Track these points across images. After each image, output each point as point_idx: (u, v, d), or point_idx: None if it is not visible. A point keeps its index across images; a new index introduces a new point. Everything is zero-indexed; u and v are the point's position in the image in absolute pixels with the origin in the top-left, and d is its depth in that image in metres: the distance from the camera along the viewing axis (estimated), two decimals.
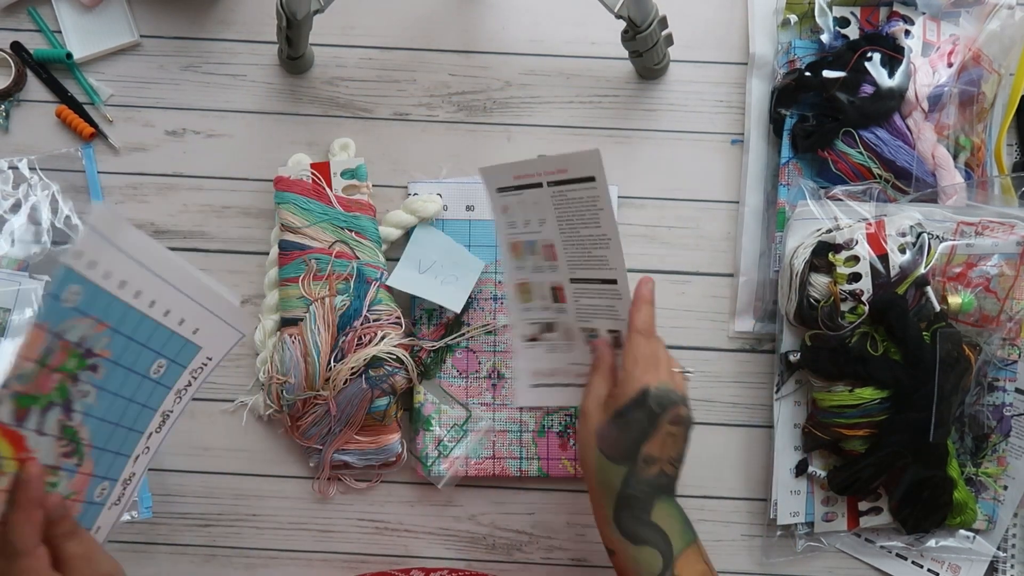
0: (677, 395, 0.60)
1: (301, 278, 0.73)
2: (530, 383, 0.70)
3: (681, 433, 0.60)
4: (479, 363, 0.75)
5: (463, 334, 0.74)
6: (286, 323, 0.73)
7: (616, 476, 0.59)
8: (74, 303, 0.49)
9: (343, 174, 0.75)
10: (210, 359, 0.62)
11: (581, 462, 0.62)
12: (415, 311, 0.75)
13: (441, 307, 0.73)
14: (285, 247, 0.73)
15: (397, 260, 0.75)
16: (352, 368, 0.70)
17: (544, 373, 0.69)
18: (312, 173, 0.74)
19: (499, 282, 0.74)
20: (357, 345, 0.71)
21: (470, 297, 0.74)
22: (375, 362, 0.71)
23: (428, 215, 0.74)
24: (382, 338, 0.71)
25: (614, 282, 0.64)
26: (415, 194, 0.75)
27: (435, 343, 0.74)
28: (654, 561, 0.57)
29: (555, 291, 0.67)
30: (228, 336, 0.62)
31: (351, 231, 0.74)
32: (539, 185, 0.64)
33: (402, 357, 0.71)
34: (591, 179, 0.61)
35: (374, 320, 0.72)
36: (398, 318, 0.73)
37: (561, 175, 0.62)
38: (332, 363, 0.71)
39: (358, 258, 0.73)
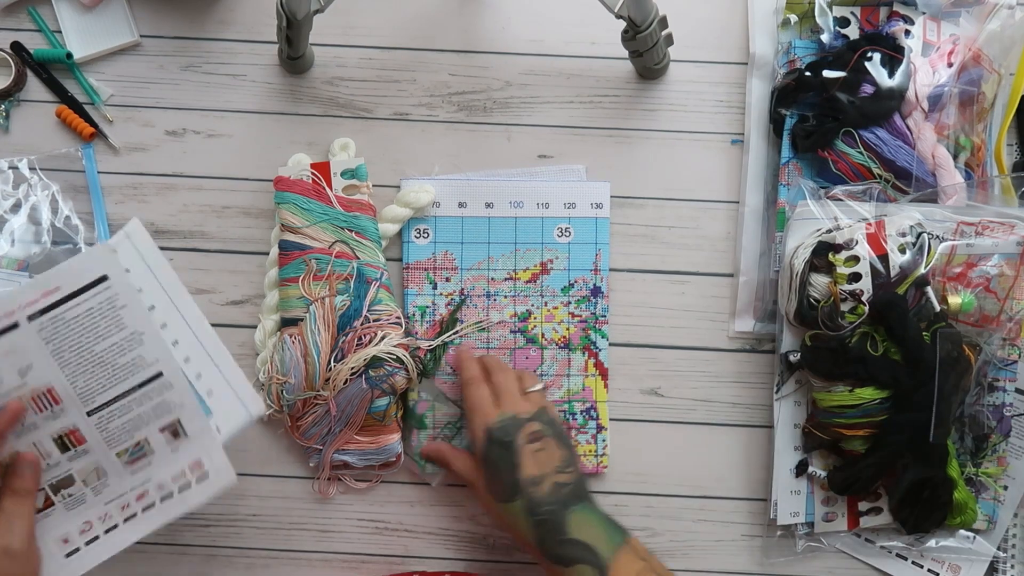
0: (520, 418, 0.64)
1: (301, 278, 0.73)
2: (64, 554, 0.60)
3: (548, 444, 0.64)
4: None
5: (457, 332, 0.74)
6: (286, 323, 0.73)
7: (519, 511, 0.61)
8: None
9: (343, 174, 0.75)
10: (218, 430, 0.62)
11: (494, 522, 0.68)
12: (408, 308, 0.75)
13: (434, 305, 0.75)
14: (285, 247, 0.73)
15: (395, 260, 0.76)
16: (352, 368, 0.70)
17: (77, 533, 0.61)
18: (312, 173, 0.74)
19: (492, 279, 0.75)
20: (357, 345, 0.71)
21: (463, 294, 0.75)
22: (375, 362, 0.71)
23: (421, 206, 0.74)
24: (382, 338, 0.71)
25: (159, 375, 0.59)
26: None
27: (431, 342, 0.74)
28: None
29: (64, 438, 0.59)
30: (238, 414, 0.63)
31: (351, 231, 0.74)
32: (13, 326, 0.55)
33: (402, 357, 0.71)
34: (100, 280, 0.55)
35: (374, 320, 0.72)
36: (398, 318, 0.73)
37: (49, 298, 0.54)
38: (332, 363, 0.71)
39: (358, 258, 0.73)
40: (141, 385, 0.60)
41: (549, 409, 0.67)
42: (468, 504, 0.76)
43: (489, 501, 0.64)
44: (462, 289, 0.75)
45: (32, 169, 0.76)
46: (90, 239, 0.76)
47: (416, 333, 0.75)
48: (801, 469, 0.73)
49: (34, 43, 0.78)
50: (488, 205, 0.75)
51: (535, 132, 0.78)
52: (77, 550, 0.61)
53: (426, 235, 0.75)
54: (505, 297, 0.75)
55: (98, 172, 0.77)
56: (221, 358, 0.63)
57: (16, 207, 0.76)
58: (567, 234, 0.74)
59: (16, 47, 0.78)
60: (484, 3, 0.79)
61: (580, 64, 0.78)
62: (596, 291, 0.74)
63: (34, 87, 0.78)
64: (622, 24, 0.70)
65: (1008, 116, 0.75)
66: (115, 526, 0.61)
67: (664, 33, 0.72)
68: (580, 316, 0.74)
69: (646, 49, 0.72)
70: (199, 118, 0.78)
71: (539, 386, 0.68)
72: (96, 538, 0.61)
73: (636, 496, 0.75)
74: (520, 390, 0.67)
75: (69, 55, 0.77)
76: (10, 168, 0.76)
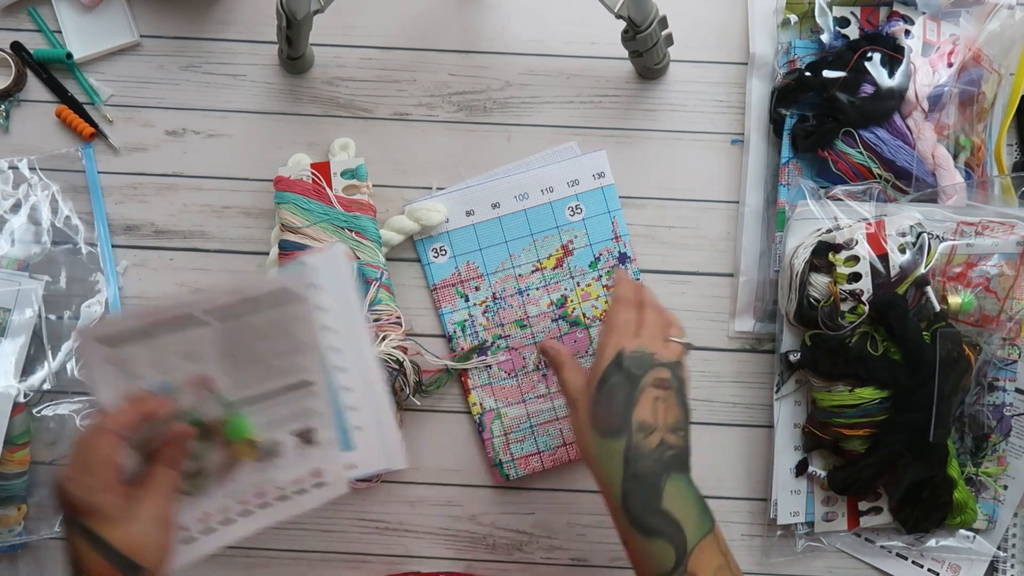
0: (658, 359, 0.57)
1: None
2: (180, 541, 0.59)
3: (671, 398, 0.57)
4: (524, 359, 0.75)
5: (488, 345, 0.75)
6: None
7: (616, 452, 0.55)
8: None
9: (343, 174, 0.75)
10: (354, 467, 0.62)
11: (582, 454, 0.58)
12: (447, 327, 0.75)
13: (471, 317, 0.75)
14: (285, 247, 0.73)
15: (398, 260, 0.76)
16: None
17: (195, 521, 0.60)
18: (312, 173, 0.74)
19: (520, 275, 0.75)
20: None
21: (496, 297, 0.75)
22: None
23: (432, 224, 0.74)
24: (383, 339, 0.71)
25: (309, 384, 0.60)
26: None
27: (462, 365, 0.74)
28: (665, 556, 0.53)
29: (204, 430, 0.58)
30: (376, 460, 0.63)
31: (351, 231, 0.74)
32: (206, 323, 0.57)
33: (402, 359, 0.71)
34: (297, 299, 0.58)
35: (375, 320, 0.72)
36: (398, 318, 0.73)
37: (236, 299, 0.56)
38: None
39: (358, 258, 0.73)
40: (289, 389, 0.60)
41: (684, 366, 0.60)
42: (468, 504, 0.76)
43: (586, 428, 0.57)
44: (493, 294, 0.75)
45: (32, 169, 0.76)
46: (90, 239, 0.76)
47: (462, 348, 0.75)
48: (801, 469, 0.73)
49: (34, 43, 0.78)
50: (495, 206, 0.75)
51: (535, 132, 0.78)
52: (194, 539, 0.60)
53: (444, 252, 0.75)
54: (537, 289, 0.75)
55: (98, 172, 0.77)
56: (381, 403, 0.63)
57: (16, 207, 0.76)
58: (579, 211, 0.75)
59: (16, 47, 0.78)
60: (484, 3, 0.79)
61: (580, 64, 0.78)
62: (623, 257, 0.75)
63: (34, 87, 0.78)
64: (622, 24, 0.70)
65: (1008, 116, 0.75)
66: (230, 520, 0.61)
67: (664, 33, 0.72)
68: (611, 286, 0.73)
69: (646, 49, 0.72)
70: (199, 118, 0.78)
71: (684, 339, 0.61)
72: (212, 529, 0.61)
73: None
74: (664, 335, 0.60)
75: (69, 55, 0.77)
76: (10, 168, 0.76)
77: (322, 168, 0.74)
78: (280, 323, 0.59)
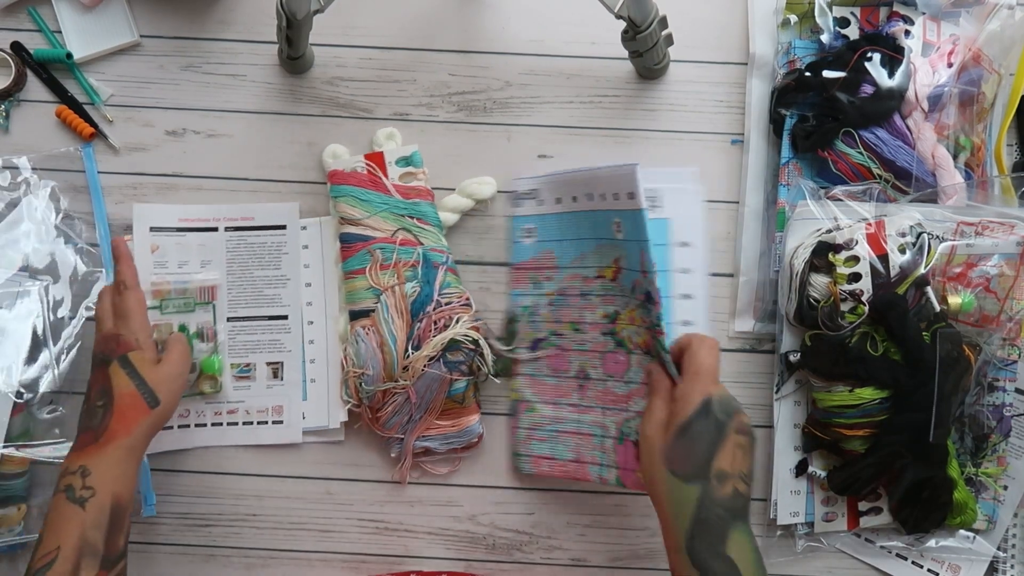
0: (737, 404, 0.58)
1: (368, 269, 0.73)
2: (176, 425, 0.75)
3: (748, 444, 0.58)
4: (568, 362, 0.73)
5: (543, 339, 0.73)
6: (354, 316, 0.73)
7: (690, 497, 0.55)
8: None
9: (398, 162, 0.75)
10: (303, 417, 0.75)
11: (649, 487, 0.59)
12: (514, 308, 0.75)
13: (535, 305, 0.74)
14: (347, 240, 0.73)
15: (494, 264, 0.76)
16: (429, 354, 0.71)
17: (176, 415, 0.74)
18: (367, 164, 0.74)
19: (586, 277, 0.71)
20: (432, 330, 0.71)
21: (561, 293, 0.72)
22: (452, 345, 0.71)
23: (484, 197, 0.75)
24: (456, 321, 0.72)
25: (285, 318, 0.74)
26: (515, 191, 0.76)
27: (510, 350, 0.75)
28: None
29: (201, 331, 0.74)
30: (321, 415, 0.74)
31: (412, 217, 0.74)
32: (214, 229, 0.73)
33: (478, 339, 0.72)
34: (281, 228, 0.73)
35: (446, 304, 0.72)
36: (468, 300, 0.73)
37: (245, 222, 0.73)
38: (409, 351, 0.71)
39: (422, 244, 0.73)
40: (270, 318, 0.75)
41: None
42: (468, 504, 0.76)
43: (659, 466, 0.57)
44: (561, 289, 0.72)
45: (32, 169, 0.76)
46: (90, 239, 0.76)
47: (521, 333, 0.74)
48: (801, 469, 0.73)
49: (34, 43, 0.78)
50: (575, 199, 0.70)
51: (535, 132, 0.78)
52: (169, 428, 0.74)
53: (533, 234, 0.73)
54: (597, 296, 0.71)
55: (98, 172, 0.77)
56: (333, 361, 0.75)
57: (16, 206, 0.76)
58: (619, 229, 0.66)
59: (16, 47, 0.78)
60: (484, 3, 0.79)
61: (580, 64, 0.78)
62: (648, 297, 0.64)
63: (34, 87, 0.78)
64: (622, 24, 0.70)
65: (1008, 116, 0.75)
66: (204, 424, 0.75)
67: (664, 33, 0.72)
68: (646, 321, 0.66)
69: (646, 49, 0.72)
70: (199, 118, 0.78)
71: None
72: (187, 426, 0.74)
73: (636, 496, 0.75)
74: None
75: (69, 55, 0.77)
76: (9, 168, 0.76)
77: (376, 158, 0.75)
78: (273, 251, 0.74)
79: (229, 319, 0.75)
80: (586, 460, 0.72)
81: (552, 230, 0.72)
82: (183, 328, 0.74)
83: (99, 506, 0.59)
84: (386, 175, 0.75)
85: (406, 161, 0.75)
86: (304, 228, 0.76)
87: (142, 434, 0.62)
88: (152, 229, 0.75)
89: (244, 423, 0.75)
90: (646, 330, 0.65)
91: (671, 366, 0.62)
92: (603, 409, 0.70)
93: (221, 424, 0.75)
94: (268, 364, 0.75)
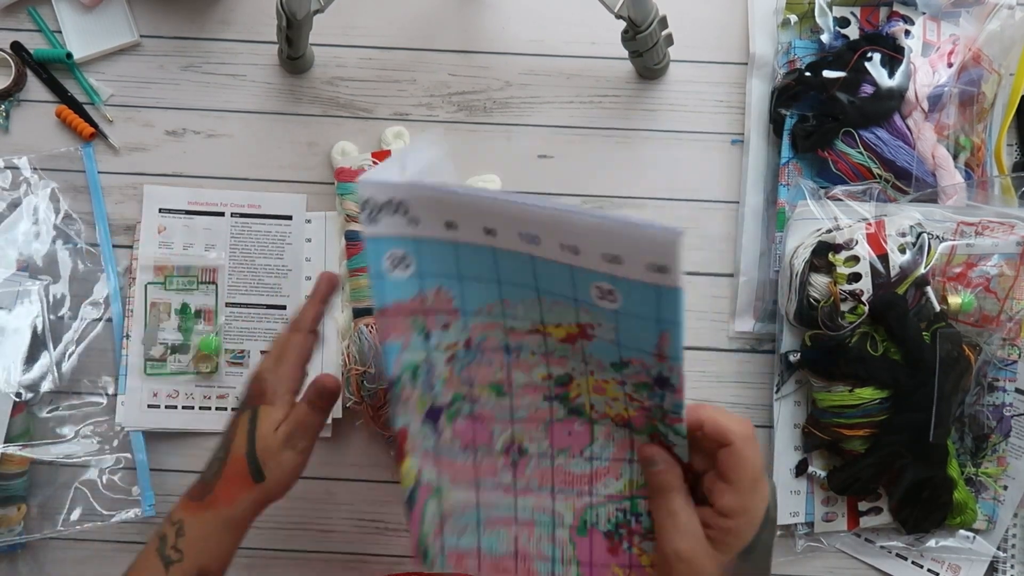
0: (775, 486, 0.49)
1: None
2: (146, 404, 0.75)
3: None
4: (491, 434, 0.53)
5: (446, 405, 0.52)
6: (357, 313, 0.73)
7: None
8: None
9: None
10: None
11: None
12: (390, 368, 0.50)
13: (429, 362, 0.51)
14: (352, 237, 0.74)
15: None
16: None
17: (164, 395, 0.75)
18: (374, 162, 0.75)
19: (511, 328, 0.50)
20: None
21: (468, 346, 0.51)
22: None
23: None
24: None
25: (283, 308, 0.74)
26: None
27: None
28: None
29: (200, 312, 0.75)
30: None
31: None
32: (220, 214, 0.73)
33: None
34: (287, 217, 0.73)
35: None
36: None
37: (251, 209, 0.73)
38: None
39: None
40: (268, 307, 0.75)
41: None
42: None
43: (711, 567, 0.46)
44: (468, 340, 0.50)
45: (32, 169, 0.76)
46: (90, 239, 0.76)
47: (407, 400, 0.50)
48: (801, 469, 0.73)
49: (34, 43, 0.78)
50: (488, 231, 0.46)
51: (535, 132, 0.78)
52: (156, 407, 0.75)
53: (406, 265, 0.48)
54: (533, 354, 0.51)
55: (98, 172, 0.77)
56: (328, 356, 0.75)
57: (16, 206, 0.76)
58: (611, 298, 0.45)
59: (16, 47, 0.78)
60: (484, 3, 0.79)
61: (580, 64, 0.78)
62: (662, 381, 0.47)
63: (34, 87, 0.78)
64: (622, 24, 0.70)
65: (1008, 116, 0.75)
66: (191, 407, 0.75)
67: (664, 33, 0.72)
68: (641, 403, 0.49)
69: (646, 49, 0.72)
70: (199, 118, 0.78)
71: None
72: (174, 407, 0.75)
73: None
74: None
75: (69, 55, 0.77)
76: (10, 168, 0.76)
77: (383, 156, 0.75)
78: (277, 241, 0.75)
79: (227, 304, 0.76)
80: (530, 554, 0.54)
81: (441, 263, 0.48)
82: (185, 306, 0.75)
83: (183, 574, 0.54)
84: None
85: None
86: (308, 221, 0.76)
87: (245, 509, 0.55)
88: (161, 211, 0.76)
89: (232, 409, 0.74)
90: (636, 409, 0.50)
91: (681, 451, 0.48)
92: (552, 491, 0.53)
93: (210, 408, 0.75)
94: (262, 352, 0.75)
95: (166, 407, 0.75)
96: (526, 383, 0.52)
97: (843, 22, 0.75)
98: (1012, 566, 0.75)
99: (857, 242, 0.68)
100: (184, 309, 0.75)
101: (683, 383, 0.46)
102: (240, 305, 0.76)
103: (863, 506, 0.73)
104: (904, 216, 0.69)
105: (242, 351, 0.75)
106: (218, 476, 0.56)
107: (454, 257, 0.48)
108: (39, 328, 0.74)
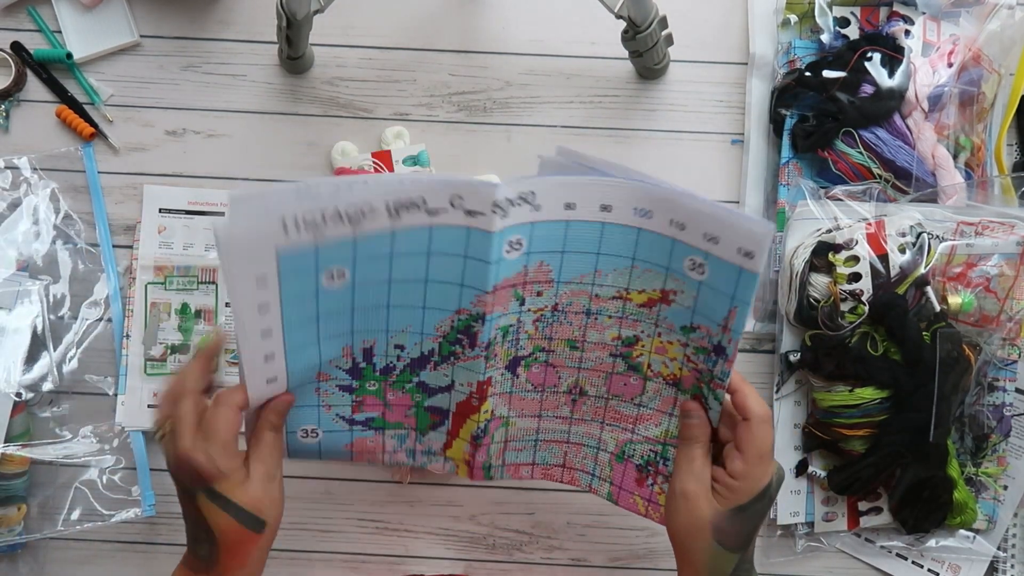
0: (780, 471, 0.58)
1: None
2: (147, 405, 0.74)
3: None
4: (558, 378, 0.63)
5: (525, 356, 0.61)
6: None
7: (728, 564, 0.56)
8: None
9: (404, 161, 0.75)
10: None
11: (679, 541, 0.57)
12: (489, 332, 0.58)
13: (519, 323, 0.59)
14: None
15: None
16: None
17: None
18: (374, 162, 0.75)
19: (596, 295, 0.59)
20: None
21: (555, 309, 0.59)
22: None
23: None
24: None
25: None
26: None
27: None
28: None
29: (199, 312, 0.75)
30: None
31: None
32: (221, 214, 0.72)
33: None
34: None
35: None
36: None
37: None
38: None
39: None
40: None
41: None
42: (468, 504, 0.76)
43: (704, 535, 0.55)
44: (556, 304, 0.59)
45: (32, 169, 0.76)
46: (90, 239, 0.76)
47: (496, 354, 0.59)
48: (801, 469, 0.73)
49: (34, 43, 0.78)
50: (604, 208, 0.55)
51: (535, 132, 0.78)
52: (156, 407, 0.70)
53: (518, 247, 0.55)
54: (610, 317, 0.59)
55: (98, 172, 0.77)
56: None
57: (16, 206, 0.76)
58: (699, 270, 0.55)
59: (16, 47, 0.78)
60: (484, 3, 0.79)
61: (580, 64, 0.78)
62: (719, 349, 0.56)
63: (34, 87, 0.78)
64: (622, 24, 0.70)
65: (1008, 116, 0.75)
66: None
67: (664, 33, 0.72)
68: (695, 364, 0.58)
69: (646, 49, 0.72)
70: (199, 118, 0.78)
71: None
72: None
73: None
74: None
75: (69, 55, 0.77)
76: (10, 168, 0.76)
77: (383, 156, 0.75)
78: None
79: (228, 304, 0.75)
80: (575, 467, 0.67)
81: (550, 240, 0.56)
82: (185, 306, 0.74)
83: None
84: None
85: (413, 160, 0.75)
86: None
87: (257, 559, 0.56)
88: (161, 211, 0.76)
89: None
90: (690, 369, 0.59)
91: (715, 414, 0.58)
92: (601, 423, 0.64)
93: None
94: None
95: None
96: (597, 341, 0.61)
97: (843, 22, 0.75)
98: (1012, 566, 0.75)
99: (857, 242, 0.68)
100: (184, 309, 0.75)
101: (735, 356, 0.56)
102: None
103: (863, 506, 0.73)
104: (904, 216, 0.69)
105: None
106: (216, 551, 0.54)
107: (563, 234, 0.56)
108: (39, 328, 0.74)
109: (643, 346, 0.60)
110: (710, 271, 0.54)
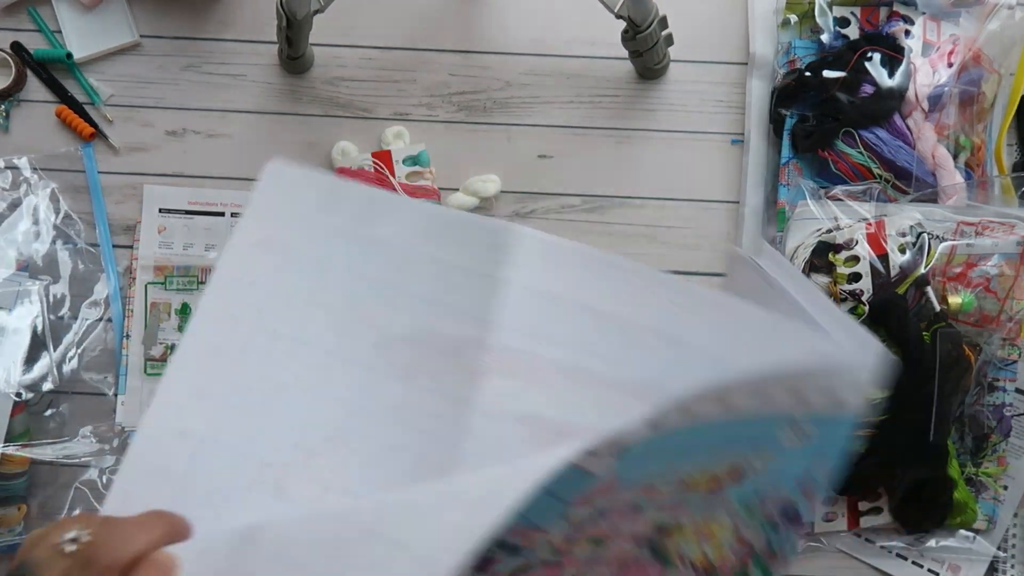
0: None
1: None
2: (147, 405, 0.50)
3: None
4: (561, 573, 0.46)
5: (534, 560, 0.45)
6: None
7: None
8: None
9: (405, 161, 0.75)
10: None
11: None
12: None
13: None
14: None
15: None
16: None
17: None
18: (374, 162, 0.75)
19: (652, 487, 0.43)
20: None
21: (600, 511, 0.43)
22: None
23: (488, 195, 0.75)
24: None
25: None
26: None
27: None
28: None
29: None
30: None
31: None
32: (221, 214, 0.72)
33: None
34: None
35: None
36: None
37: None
38: None
39: None
40: None
41: None
42: None
43: None
44: (603, 508, 0.44)
45: (32, 169, 0.76)
46: (90, 239, 0.76)
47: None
48: None
49: (34, 43, 0.78)
50: (685, 411, 0.38)
51: (535, 132, 0.78)
52: None
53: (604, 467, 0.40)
54: (655, 508, 0.44)
55: (98, 172, 0.77)
56: None
57: (16, 206, 0.76)
58: (804, 438, 0.41)
59: (16, 47, 0.78)
60: (484, 3, 0.79)
61: (580, 64, 0.78)
62: (791, 516, 0.43)
63: (34, 87, 0.78)
64: (622, 24, 0.70)
65: (1008, 116, 0.75)
66: None
67: (664, 33, 0.72)
68: (747, 541, 0.45)
69: (646, 49, 0.72)
70: (199, 118, 0.78)
71: None
72: None
73: None
74: None
75: (69, 55, 0.77)
76: (10, 168, 0.76)
77: (383, 156, 0.75)
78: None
79: None
80: None
81: (647, 458, 0.40)
82: (185, 306, 0.74)
83: None
84: (393, 174, 0.75)
85: (413, 160, 0.75)
86: None
87: None
88: (161, 211, 0.76)
89: None
90: (737, 552, 0.45)
91: None
92: None
93: None
94: None
95: None
96: (628, 532, 0.45)
97: (843, 22, 0.75)
98: (1012, 566, 0.75)
99: (857, 242, 0.68)
100: (184, 309, 0.75)
101: (805, 519, 0.43)
102: None
103: (863, 506, 0.73)
104: (904, 216, 0.69)
105: None
106: None
107: (659, 447, 0.40)
108: (39, 328, 0.74)
109: (680, 530, 0.46)
110: (820, 434, 0.40)
